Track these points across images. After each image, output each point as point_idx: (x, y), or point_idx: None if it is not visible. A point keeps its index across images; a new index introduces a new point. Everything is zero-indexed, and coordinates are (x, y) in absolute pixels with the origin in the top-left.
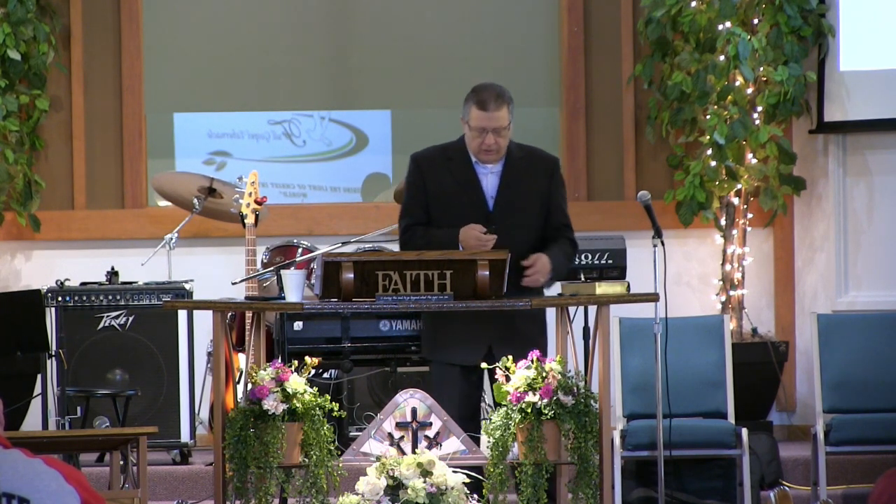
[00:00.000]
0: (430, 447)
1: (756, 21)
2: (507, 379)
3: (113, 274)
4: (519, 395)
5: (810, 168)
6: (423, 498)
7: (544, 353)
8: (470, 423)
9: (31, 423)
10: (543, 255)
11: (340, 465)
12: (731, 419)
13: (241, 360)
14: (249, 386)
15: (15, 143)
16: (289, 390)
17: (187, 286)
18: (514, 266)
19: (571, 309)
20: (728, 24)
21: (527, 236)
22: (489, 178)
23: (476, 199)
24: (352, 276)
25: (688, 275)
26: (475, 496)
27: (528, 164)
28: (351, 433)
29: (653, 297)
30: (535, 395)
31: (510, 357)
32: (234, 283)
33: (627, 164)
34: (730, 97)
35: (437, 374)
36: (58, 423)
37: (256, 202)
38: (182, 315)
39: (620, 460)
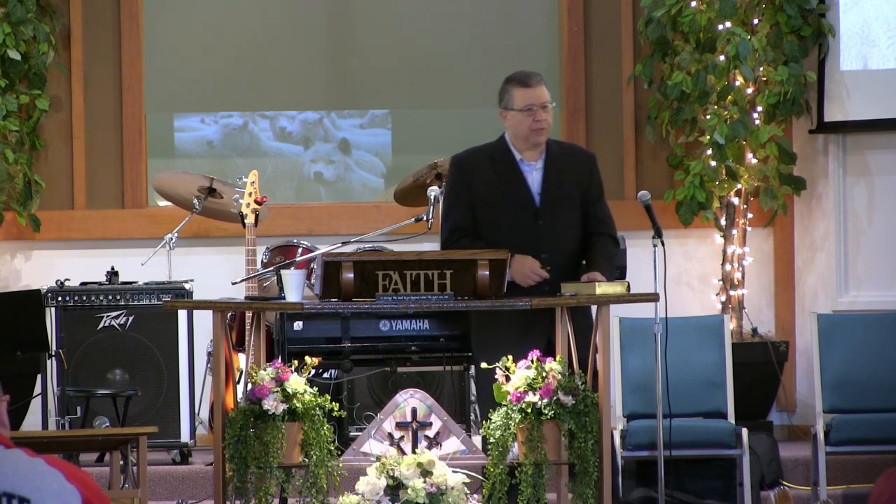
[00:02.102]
0: (430, 447)
1: (756, 21)
2: (507, 379)
3: (113, 274)
4: (519, 395)
5: (810, 168)
6: (423, 498)
7: (589, 343)
8: None
9: (31, 423)
10: (595, 273)
11: (340, 465)
12: (731, 419)
13: (241, 360)
14: (249, 386)
15: (15, 143)
16: (289, 390)
17: (187, 286)
18: (565, 267)
19: None
20: (728, 24)
21: (572, 231)
22: (533, 175)
23: (523, 196)
24: (352, 276)
25: (688, 275)
26: (476, 496)
27: (567, 159)
28: (351, 433)
29: (653, 297)
30: (535, 395)
31: (510, 357)
32: (234, 283)
33: (627, 164)
34: (730, 97)
35: (489, 375)
36: (58, 423)
37: (256, 202)
38: (182, 315)
39: (620, 460)
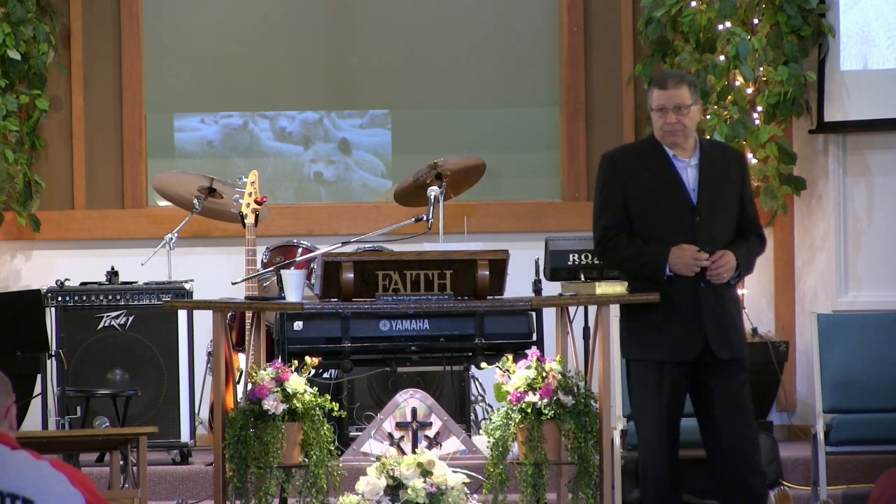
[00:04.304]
0: (430, 447)
1: (756, 21)
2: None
3: (113, 274)
4: (519, 395)
5: (810, 168)
6: (423, 498)
7: (743, 339)
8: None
9: (31, 423)
10: (728, 251)
11: (340, 465)
12: None
13: (241, 360)
14: (249, 386)
15: (15, 143)
16: (289, 390)
17: (187, 286)
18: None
19: (571, 309)
20: (728, 24)
21: (727, 230)
22: (689, 172)
23: (679, 193)
24: (352, 276)
25: None
26: (476, 496)
27: (721, 157)
28: (351, 433)
29: (653, 298)
30: (535, 395)
31: (510, 357)
32: (234, 283)
33: None
34: (730, 97)
35: (647, 373)
36: (58, 423)
37: (256, 202)
38: (182, 315)
39: (620, 460)
